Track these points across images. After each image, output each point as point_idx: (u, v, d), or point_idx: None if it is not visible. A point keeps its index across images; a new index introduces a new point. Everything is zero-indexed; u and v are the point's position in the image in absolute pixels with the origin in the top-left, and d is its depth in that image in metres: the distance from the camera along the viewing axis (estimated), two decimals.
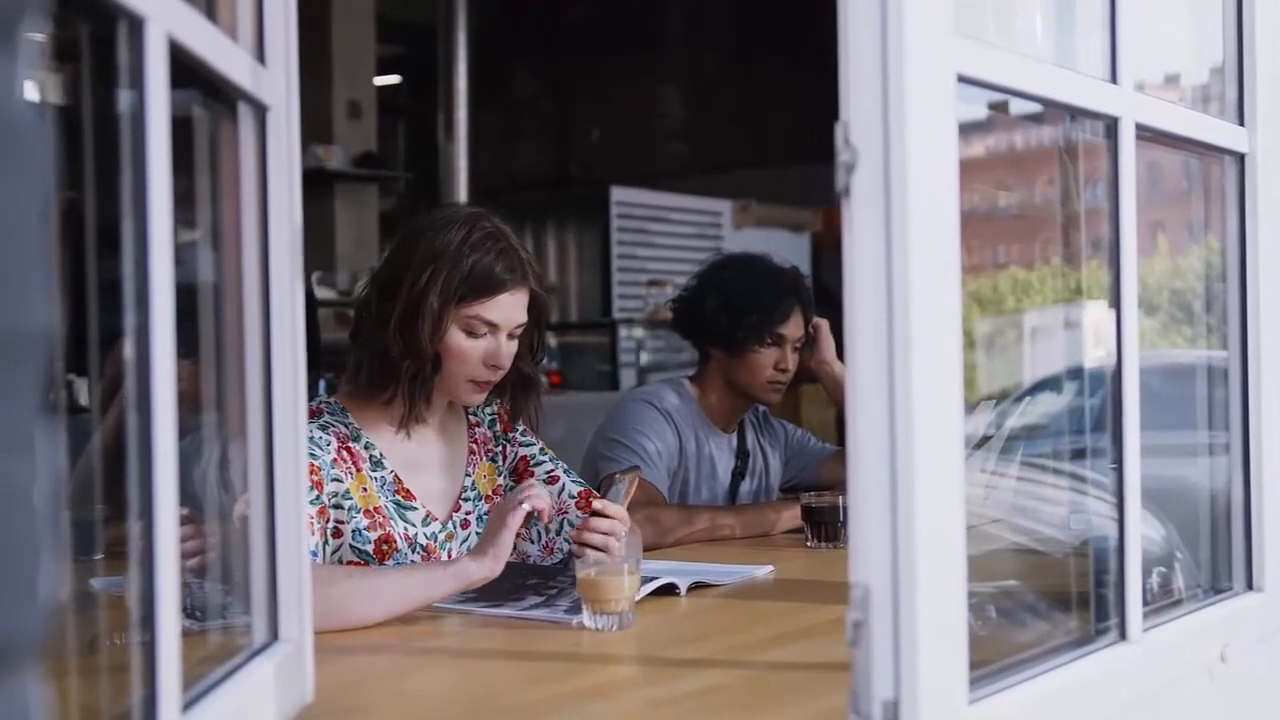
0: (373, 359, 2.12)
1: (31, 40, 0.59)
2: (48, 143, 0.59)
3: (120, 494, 1.00)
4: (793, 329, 2.89)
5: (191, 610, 1.25)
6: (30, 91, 0.58)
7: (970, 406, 1.24)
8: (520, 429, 2.33)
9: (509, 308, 2.12)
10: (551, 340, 7.28)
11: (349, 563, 2.07)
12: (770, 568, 2.27)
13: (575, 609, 1.84)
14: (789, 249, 5.91)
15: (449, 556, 2.16)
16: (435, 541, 2.17)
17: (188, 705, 1.04)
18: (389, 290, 2.11)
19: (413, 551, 2.12)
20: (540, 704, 1.48)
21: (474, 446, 2.29)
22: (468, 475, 2.26)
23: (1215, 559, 1.76)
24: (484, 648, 1.73)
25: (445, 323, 2.08)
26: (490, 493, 2.27)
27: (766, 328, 2.85)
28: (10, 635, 0.55)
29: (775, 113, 8.83)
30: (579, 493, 2.25)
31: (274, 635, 1.31)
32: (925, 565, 1.12)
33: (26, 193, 0.57)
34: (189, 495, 1.12)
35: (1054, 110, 1.51)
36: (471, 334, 2.10)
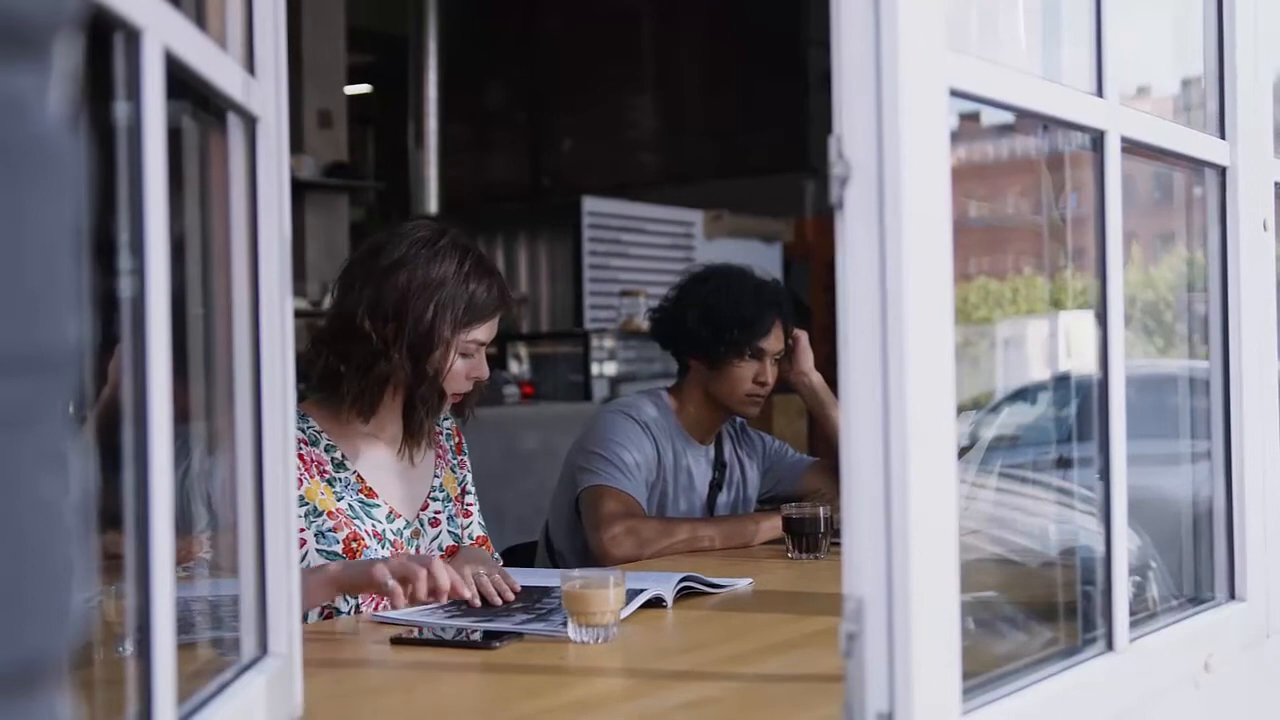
0: (370, 384, 2.16)
1: (64, 55, 0.58)
2: (80, 158, 0.59)
3: (105, 507, 0.99)
4: (773, 343, 2.89)
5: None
6: (61, 106, 0.58)
7: None
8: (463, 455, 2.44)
9: (495, 326, 2.25)
10: (523, 351, 7.28)
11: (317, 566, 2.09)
12: (750, 580, 2.27)
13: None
14: (761, 259, 5.91)
15: (416, 553, 2.24)
16: (401, 538, 2.23)
17: None
18: (383, 314, 2.15)
19: (382, 546, 2.19)
20: (529, 718, 1.47)
21: (440, 451, 2.37)
22: (436, 476, 2.33)
23: (1197, 569, 1.78)
24: (471, 662, 1.72)
25: (452, 353, 2.18)
26: (454, 496, 2.36)
27: (747, 342, 2.85)
28: (43, 653, 0.55)
29: (748, 123, 8.86)
30: (478, 536, 2.35)
31: (263, 650, 1.30)
32: (919, 577, 1.12)
33: (61, 208, 0.56)
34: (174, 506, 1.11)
35: (1025, 121, 1.52)
36: (465, 355, 2.21)
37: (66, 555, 0.56)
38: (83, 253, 0.60)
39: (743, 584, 2.25)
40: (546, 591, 2.10)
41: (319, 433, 2.18)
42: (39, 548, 0.54)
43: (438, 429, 2.38)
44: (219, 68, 1.16)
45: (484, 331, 2.22)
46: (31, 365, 0.56)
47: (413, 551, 2.23)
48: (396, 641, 1.81)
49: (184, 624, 1.29)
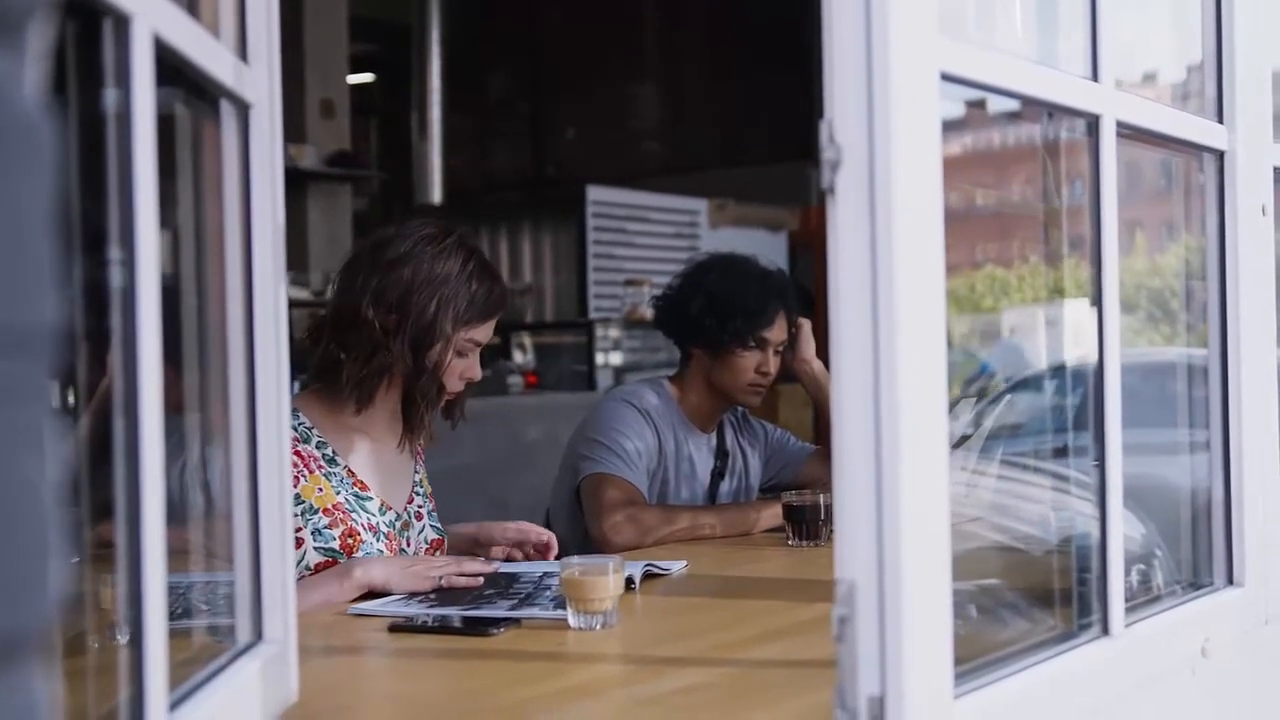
0: (371, 374, 2.17)
1: (38, 38, 0.59)
2: (54, 139, 0.59)
3: (99, 495, 1.00)
4: (776, 333, 2.88)
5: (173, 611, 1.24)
6: (36, 88, 0.59)
7: (949, 405, 1.25)
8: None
9: (492, 328, 2.28)
10: (527, 340, 7.28)
11: (317, 565, 2.10)
12: (684, 563, 2.29)
13: (562, 604, 1.83)
14: (766, 248, 5.91)
15: (408, 544, 2.27)
16: (394, 529, 2.25)
17: (174, 705, 1.03)
18: (386, 306, 2.17)
19: (377, 540, 2.19)
20: (526, 703, 1.47)
21: (419, 448, 2.39)
22: (416, 472, 2.36)
23: (1195, 555, 1.78)
24: (467, 648, 1.73)
25: (451, 348, 2.19)
26: (429, 494, 2.39)
27: (750, 331, 2.85)
28: (19, 630, 0.55)
29: (751, 112, 8.85)
30: (433, 540, 2.34)
31: (258, 635, 1.30)
32: (910, 561, 1.12)
33: (35, 189, 0.57)
34: (167, 496, 1.11)
35: (1031, 108, 1.52)
36: (461, 354, 2.22)
37: (45, 533, 0.57)
38: (61, 235, 0.61)
39: (676, 566, 2.27)
40: (515, 578, 2.12)
41: (309, 429, 2.20)
42: (18, 524, 0.55)
43: None
44: (210, 54, 1.16)
45: (482, 332, 2.23)
46: (12, 345, 0.56)
47: (404, 543, 2.25)
48: (394, 629, 1.81)
49: (180, 610, 1.30)
